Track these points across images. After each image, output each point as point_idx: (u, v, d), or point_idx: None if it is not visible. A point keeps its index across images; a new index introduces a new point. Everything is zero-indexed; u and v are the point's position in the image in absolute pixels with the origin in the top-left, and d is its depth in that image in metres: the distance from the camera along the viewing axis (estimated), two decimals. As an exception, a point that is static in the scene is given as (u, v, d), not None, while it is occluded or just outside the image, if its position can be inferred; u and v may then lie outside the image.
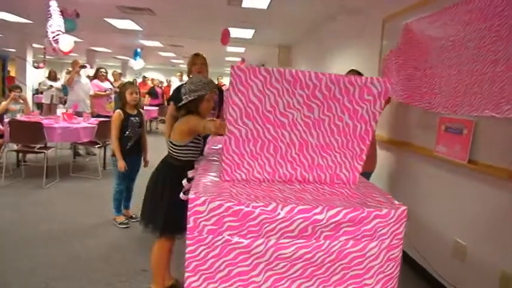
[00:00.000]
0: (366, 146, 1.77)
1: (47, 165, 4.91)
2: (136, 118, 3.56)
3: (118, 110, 3.50)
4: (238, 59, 14.74)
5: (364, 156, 1.80)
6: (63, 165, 5.58)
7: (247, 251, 1.46)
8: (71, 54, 6.19)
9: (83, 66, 6.61)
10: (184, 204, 2.19)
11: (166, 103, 13.03)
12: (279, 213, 1.44)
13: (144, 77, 15.08)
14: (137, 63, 10.23)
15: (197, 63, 3.26)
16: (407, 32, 3.17)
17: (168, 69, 22.28)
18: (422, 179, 2.97)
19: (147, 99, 12.23)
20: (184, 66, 16.61)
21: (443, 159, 2.62)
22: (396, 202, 1.60)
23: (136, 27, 7.83)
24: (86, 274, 2.69)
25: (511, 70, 2.08)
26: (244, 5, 5.63)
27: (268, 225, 1.44)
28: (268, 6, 5.59)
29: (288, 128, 1.66)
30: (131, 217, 3.81)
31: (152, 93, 12.56)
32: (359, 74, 3.37)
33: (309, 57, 7.76)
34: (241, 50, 11.91)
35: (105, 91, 6.77)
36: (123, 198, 3.76)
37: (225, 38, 6.61)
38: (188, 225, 1.45)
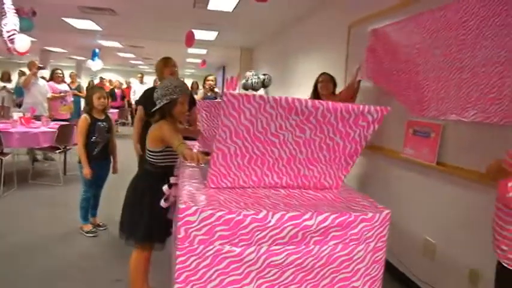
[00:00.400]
0: (353, 161, 1.80)
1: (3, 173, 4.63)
2: (104, 123, 3.44)
3: (84, 115, 3.37)
4: (199, 61, 14.62)
5: (349, 169, 1.84)
6: (21, 171, 5.27)
7: (239, 259, 1.45)
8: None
9: (41, 68, 6.29)
10: (164, 211, 2.17)
11: (126, 105, 12.72)
12: (270, 221, 1.45)
13: (102, 78, 14.58)
14: (96, 64, 9.86)
15: (169, 65, 3.22)
16: (374, 38, 3.28)
17: (126, 71, 21.65)
18: (392, 181, 3.09)
19: (106, 102, 11.87)
20: (144, 68, 16.31)
21: (413, 161, 2.75)
22: (379, 206, 1.66)
23: (96, 28, 7.57)
24: (57, 287, 2.57)
25: (476, 77, 2.21)
26: (210, 7, 5.60)
27: (260, 233, 1.45)
28: (234, 9, 5.60)
29: (278, 146, 1.66)
30: (98, 225, 3.67)
31: (112, 95, 12.20)
32: (331, 77, 3.44)
33: (272, 59, 7.84)
34: (203, 51, 11.82)
35: (60, 93, 6.46)
36: (90, 206, 3.60)
37: (190, 40, 6.53)
38: (178, 236, 1.42)
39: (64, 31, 8.14)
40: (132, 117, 12.43)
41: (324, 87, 3.41)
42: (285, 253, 1.48)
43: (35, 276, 2.69)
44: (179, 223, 1.42)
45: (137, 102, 3.51)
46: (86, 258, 3.03)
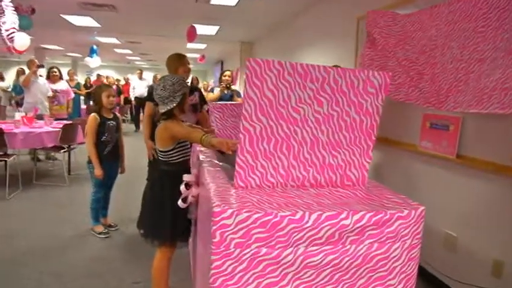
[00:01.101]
0: (372, 142, 1.81)
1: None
2: (113, 122, 3.38)
3: (94, 114, 3.29)
4: (197, 56, 14.51)
5: (371, 153, 1.82)
6: (24, 172, 5.20)
7: (276, 261, 1.42)
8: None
9: (41, 66, 6.19)
10: (185, 210, 2.14)
11: (122, 101, 12.57)
12: (307, 221, 1.41)
13: (99, 75, 14.45)
14: (94, 61, 9.74)
15: (184, 62, 3.18)
16: (374, 24, 3.21)
17: (122, 67, 21.47)
18: (410, 175, 3.06)
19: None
20: (140, 64, 16.22)
21: (431, 154, 2.72)
22: (412, 202, 1.63)
23: (95, 24, 7.46)
24: (73, 292, 2.53)
25: (495, 68, 2.18)
26: (213, 1, 5.53)
27: (297, 234, 1.42)
28: (237, 2, 5.52)
29: (300, 124, 1.69)
30: (110, 225, 3.63)
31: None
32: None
33: (274, 53, 7.77)
34: (202, 46, 11.75)
35: (53, 92, 6.29)
36: (100, 206, 3.55)
37: (192, 36, 6.46)
38: (214, 240, 1.39)
39: (61, 28, 8.04)
40: (131, 114, 12.34)
41: None
42: (322, 254, 1.45)
43: (48, 282, 2.64)
44: (214, 227, 1.38)
45: (145, 99, 3.43)
46: (100, 261, 2.99)
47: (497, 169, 2.19)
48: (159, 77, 10.24)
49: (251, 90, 1.54)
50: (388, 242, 1.53)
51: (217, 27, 7.80)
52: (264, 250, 1.41)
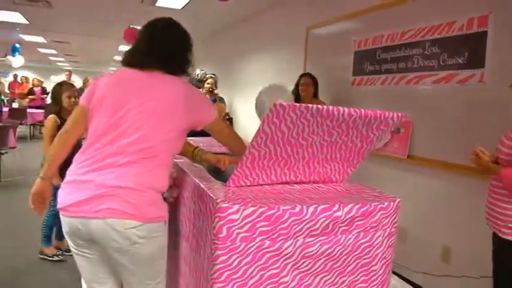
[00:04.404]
0: (363, 160, 1.92)
1: None
2: None
3: (53, 116, 2.96)
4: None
5: (357, 166, 1.97)
6: None
7: (278, 253, 1.50)
8: None
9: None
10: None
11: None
12: (305, 214, 1.51)
13: (15, 76, 13.30)
14: (17, 60, 8.96)
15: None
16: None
17: (43, 68, 19.89)
18: (365, 175, 3.30)
19: (26, 101, 10.88)
20: (63, 65, 15.20)
21: (382, 155, 2.99)
22: (389, 195, 1.81)
23: (23, 21, 6.90)
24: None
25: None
26: (158, 3, 5.45)
27: (297, 226, 1.51)
28: (184, 6, 5.51)
29: (304, 148, 1.71)
30: (67, 250, 3.08)
31: (31, 94, 11.20)
32: (312, 79, 3.49)
33: (218, 58, 7.81)
34: (136, 49, 11.37)
35: None
36: (57, 225, 3.05)
37: (131, 37, 6.26)
38: (220, 235, 1.42)
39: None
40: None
41: (304, 90, 3.50)
42: (318, 244, 1.56)
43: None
44: (221, 222, 1.42)
45: None
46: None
47: (448, 167, 2.48)
48: (90, 80, 9.71)
49: (268, 127, 1.50)
50: (372, 231, 1.69)
51: (157, 30, 7.65)
52: (267, 243, 1.48)
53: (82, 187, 1.45)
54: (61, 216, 1.51)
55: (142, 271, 1.52)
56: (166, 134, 1.52)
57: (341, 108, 1.56)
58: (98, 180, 1.43)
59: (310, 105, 1.48)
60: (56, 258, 3.04)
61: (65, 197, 1.49)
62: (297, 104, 1.46)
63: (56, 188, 2.43)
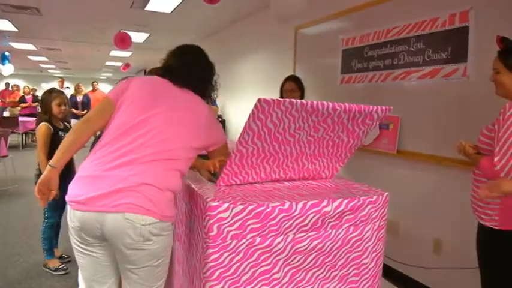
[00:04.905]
0: (350, 154, 1.95)
1: None
2: (65, 133, 3.06)
3: (45, 123, 2.87)
4: (120, 64, 13.99)
5: (346, 161, 1.99)
6: None
7: (268, 250, 1.52)
8: None
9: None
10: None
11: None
12: (295, 210, 1.54)
13: (7, 84, 13.20)
14: (7, 69, 8.93)
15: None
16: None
17: (34, 75, 19.79)
18: (356, 170, 3.34)
19: (17, 109, 10.82)
20: (54, 72, 15.08)
21: (373, 151, 3.02)
22: (377, 189, 1.84)
23: (12, 28, 6.88)
24: None
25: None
26: (148, 8, 5.46)
27: (287, 223, 1.53)
28: (173, 10, 5.52)
29: (292, 144, 1.73)
30: (61, 257, 3.13)
31: (22, 102, 11.15)
32: (297, 84, 3.40)
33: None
34: (127, 54, 11.36)
35: None
36: (54, 235, 3.03)
37: (125, 43, 6.27)
38: (211, 234, 1.45)
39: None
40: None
41: (289, 97, 3.45)
42: (308, 239, 1.59)
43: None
44: (211, 221, 1.44)
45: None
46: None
47: (436, 160, 2.52)
48: (82, 86, 9.69)
49: (254, 123, 1.52)
50: (362, 225, 1.72)
51: (146, 35, 7.66)
52: (258, 239, 1.50)
53: (102, 181, 1.44)
54: (72, 211, 1.47)
55: (148, 268, 1.52)
56: (186, 143, 1.59)
57: (325, 103, 1.58)
58: (120, 175, 1.44)
59: (294, 100, 1.51)
60: (59, 272, 2.96)
61: (80, 190, 1.46)
62: (281, 99, 1.48)
63: (53, 200, 2.35)
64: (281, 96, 3.41)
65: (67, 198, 1.49)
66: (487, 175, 1.69)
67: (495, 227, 1.68)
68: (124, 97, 1.61)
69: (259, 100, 1.44)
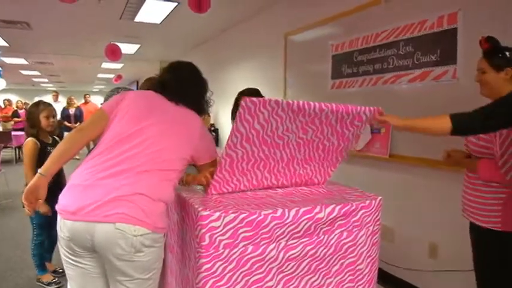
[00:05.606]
0: (342, 158, 1.94)
1: None
2: (53, 148, 3.00)
3: (31, 139, 2.76)
4: (112, 76, 13.98)
5: (337, 165, 1.98)
6: None
7: (261, 258, 1.50)
8: None
9: None
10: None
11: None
12: (287, 217, 1.52)
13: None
14: (-1, 84, 8.90)
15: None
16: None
17: (27, 90, 19.71)
18: (348, 175, 3.34)
19: (11, 124, 10.75)
20: (47, 86, 15.07)
21: (365, 155, 3.02)
22: (370, 194, 1.83)
23: (3, 43, 6.86)
24: None
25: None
26: (137, 19, 5.47)
27: (279, 230, 1.52)
28: (162, 21, 5.53)
29: (281, 147, 1.72)
30: (55, 271, 3.09)
31: (15, 116, 11.09)
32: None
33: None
34: (119, 66, 11.37)
35: None
36: (45, 250, 2.99)
37: (115, 54, 6.27)
38: (203, 243, 1.42)
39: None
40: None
41: None
42: (301, 245, 1.57)
43: None
44: (203, 230, 1.42)
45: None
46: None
47: (428, 163, 2.52)
48: (74, 99, 9.66)
49: (241, 124, 1.52)
50: (355, 230, 1.70)
51: (137, 46, 7.67)
52: (250, 248, 1.48)
53: (94, 191, 1.42)
54: (62, 220, 1.45)
55: (139, 281, 1.49)
56: (179, 154, 1.59)
57: (312, 103, 1.58)
58: (113, 184, 1.42)
59: (280, 99, 1.51)
60: (52, 286, 2.93)
61: (71, 199, 1.45)
62: (266, 98, 1.48)
63: (43, 217, 2.24)
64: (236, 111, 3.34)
65: (57, 207, 1.47)
66: (485, 178, 1.69)
67: (495, 228, 1.67)
68: (119, 108, 1.61)
69: (244, 100, 1.44)
